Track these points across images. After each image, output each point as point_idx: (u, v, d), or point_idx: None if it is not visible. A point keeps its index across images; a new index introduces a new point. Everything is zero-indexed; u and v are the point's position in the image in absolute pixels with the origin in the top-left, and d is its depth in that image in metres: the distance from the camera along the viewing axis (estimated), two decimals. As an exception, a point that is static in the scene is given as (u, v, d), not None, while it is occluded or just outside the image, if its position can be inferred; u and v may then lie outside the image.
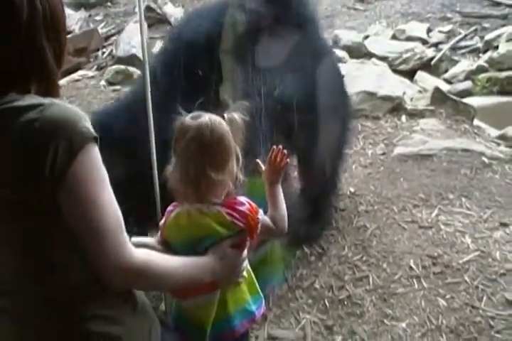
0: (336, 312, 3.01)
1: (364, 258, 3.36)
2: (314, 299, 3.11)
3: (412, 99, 5.52)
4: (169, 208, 1.81)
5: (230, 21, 2.67)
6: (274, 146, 1.84)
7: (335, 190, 3.69)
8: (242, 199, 1.73)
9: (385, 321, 2.94)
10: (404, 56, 6.79)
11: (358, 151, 4.44)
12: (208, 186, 1.67)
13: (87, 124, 1.28)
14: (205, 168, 1.64)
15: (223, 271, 1.64)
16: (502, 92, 6.46)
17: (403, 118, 5.07)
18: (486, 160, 4.30)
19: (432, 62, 6.91)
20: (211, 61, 2.56)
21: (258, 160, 1.87)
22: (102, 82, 5.86)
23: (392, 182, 4.08)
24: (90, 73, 6.35)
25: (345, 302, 3.07)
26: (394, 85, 5.39)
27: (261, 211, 1.76)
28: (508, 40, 6.86)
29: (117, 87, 5.75)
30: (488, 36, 7.03)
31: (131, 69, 6.00)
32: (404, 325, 2.91)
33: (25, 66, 1.30)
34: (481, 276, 3.18)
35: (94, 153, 1.29)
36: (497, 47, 6.83)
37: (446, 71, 6.93)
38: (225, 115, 1.70)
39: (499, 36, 6.98)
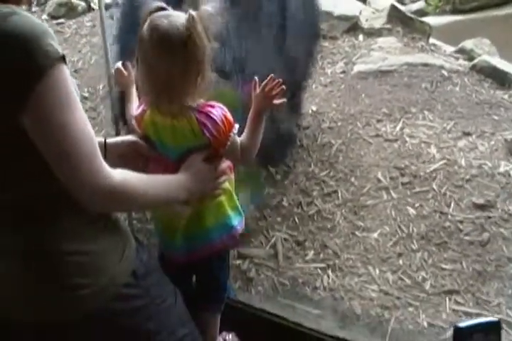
0: (307, 228, 2.99)
1: (331, 174, 3.32)
2: (283, 216, 3.07)
3: (367, 20, 5.38)
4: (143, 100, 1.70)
5: None
6: (272, 74, 1.69)
7: (298, 109, 3.59)
8: (219, 108, 1.60)
9: (357, 233, 2.93)
10: (357, -23, 6.59)
11: (317, 71, 4.31)
12: (179, 88, 1.54)
13: (53, 41, 1.14)
14: (176, 69, 1.51)
15: (198, 187, 1.55)
16: (455, 11, 6.38)
17: (360, 37, 4.96)
18: (445, 73, 4.25)
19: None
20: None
21: (256, 78, 1.71)
22: (44, 16, 5.55)
23: (354, 98, 4.01)
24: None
25: (315, 218, 3.04)
26: (350, 5, 5.24)
27: (236, 127, 1.64)
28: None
29: (61, 21, 5.45)
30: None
31: (75, 1, 5.68)
32: (375, 235, 2.91)
33: None
34: (448, 183, 3.18)
35: (62, 74, 1.16)
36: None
37: (399, -8, 6.79)
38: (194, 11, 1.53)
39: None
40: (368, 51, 4.66)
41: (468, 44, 4.65)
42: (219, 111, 1.59)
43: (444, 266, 2.71)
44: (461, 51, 4.64)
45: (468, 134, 3.60)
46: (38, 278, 1.33)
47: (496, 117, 3.75)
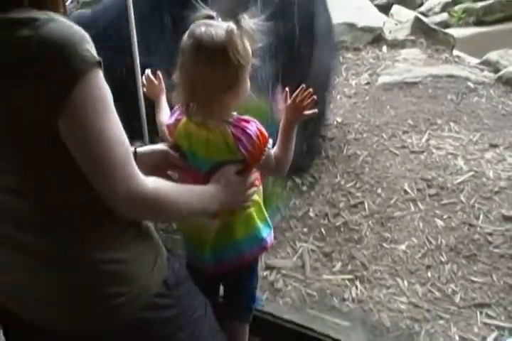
0: (334, 239, 2.96)
1: (358, 185, 3.30)
2: (310, 227, 3.05)
3: (390, 32, 5.38)
4: (178, 110, 1.67)
5: None
6: (304, 85, 1.68)
7: (323, 120, 3.59)
8: (254, 122, 1.58)
9: (384, 245, 2.90)
10: (379, -10, 6.61)
11: (341, 82, 4.32)
12: (215, 100, 1.52)
13: (90, 47, 1.13)
14: (212, 80, 1.49)
15: (229, 199, 1.53)
16: (478, 23, 6.37)
17: (384, 48, 4.97)
18: (471, 85, 4.24)
19: (407, -4, 6.75)
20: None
21: (287, 89, 1.68)
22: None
23: (379, 110, 4.00)
24: None
25: (342, 229, 3.02)
26: (373, 16, 5.25)
27: (270, 142, 1.62)
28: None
29: None
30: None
31: None
32: (403, 247, 2.88)
33: None
34: (476, 195, 3.15)
35: (98, 79, 1.14)
36: (472, -23, 6.68)
37: (421, 5, 6.80)
38: (236, 22, 1.51)
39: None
40: (392, 62, 4.66)
41: (493, 55, 4.63)
42: (254, 126, 1.57)
43: (474, 278, 2.67)
44: (486, 63, 4.62)
45: (495, 146, 3.57)
46: (70, 287, 1.31)
47: (523, 129, 3.72)
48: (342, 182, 3.34)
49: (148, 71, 1.89)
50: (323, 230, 3.01)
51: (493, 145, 3.57)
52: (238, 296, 2.00)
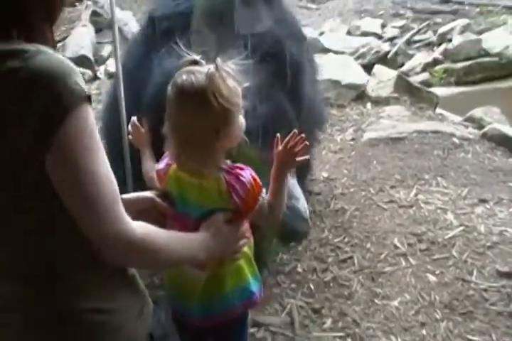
0: (323, 295, 2.84)
1: (346, 240, 3.21)
2: (298, 283, 2.92)
3: (373, 90, 5.43)
4: (166, 156, 1.62)
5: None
6: (296, 130, 1.62)
7: (308, 175, 3.51)
8: (248, 170, 1.53)
9: (376, 300, 2.79)
10: (361, 51, 6.71)
11: (326, 138, 4.29)
12: (206, 148, 1.47)
13: (79, 80, 1.08)
14: (196, 126, 1.44)
15: (218, 248, 1.45)
16: (459, 83, 6.49)
17: (368, 105, 5.00)
18: (456, 140, 4.23)
19: (388, 56, 6.87)
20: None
21: (278, 135, 1.63)
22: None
23: (365, 165, 3.95)
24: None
25: (332, 284, 2.90)
26: (357, 74, 5.31)
27: (263, 191, 1.56)
28: (461, 33, 6.90)
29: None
30: (442, 29, 7.05)
31: (81, 70, 5.75)
32: (396, 303, 2.76)
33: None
34: (468, 250, 3.07)
35: (87, 114, 1.08)
36: (451, 40, 6.85)
37: (402, 65, 6.89)
38: (215, 65, 1.45)
39: (452, 29, 7.00)
40: (376, 119, 4.67)
41: (477, 112, 4.67)
42: (248, 173, 1.51)
43: (472, 337, 2.55)
44: (471, 119, 4.65)
45: (484, 201, 3.52)
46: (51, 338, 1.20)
47: (511, 184, 3.68)
48: (330, 237, 3.24)
49: (134, 118, 1.83)
50: (311, 286, 2.89)
51: (483, 201, 3.52)
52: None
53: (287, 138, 1.57)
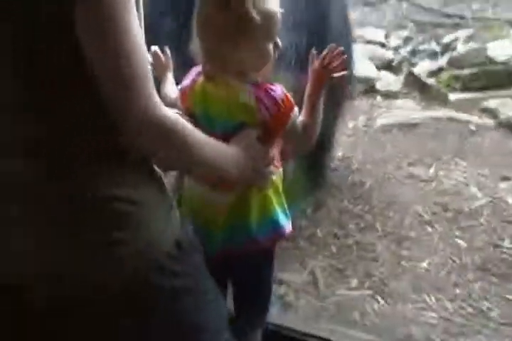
0: (346, 258, 2.67)
1: (367, 209, 3.04)
2: (318, 246, 2.75)
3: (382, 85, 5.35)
4: (195, 71, 1.49)
5: None
6: (333, 44, 1.49)
7: (330, 147, 3.33)
8: (281, 88, 1.41)
9: (403, 263, 2.62)
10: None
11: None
12: (229, 52, 1.36)
13: None
14: (223, 25, 1.32)
15: (247, 165, 1.29)
16: (464, 89, 6.41)
17: (378, 98, 4.89)
18: (472, 127, 4.11)
19: (393, 64, 6.83)
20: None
21: (314, 52, 1.49)
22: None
23: (381, 146, 3.81)
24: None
25: (355, 248, 2.73)
26: (367, 68, 5.23)
27: (296, 110, 1.44)
28: (465, 42, 6.88)
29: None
30: (446, 39, 7.03)
31: None
32: (425, 264, 2.59)
33: None
34: (496, 219, 2.91)
35: None
36: (455, 49, 6.83)
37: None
38: None
39: (456, 39, 6.99)
40: (387, 109, 4.56)
41: (491, 104, 4.57)
42: (279, 89, 1.40)
43: (510, 296, 2.37)
44: (485, 110, 4.54)
45: (507, 179, 3.37)
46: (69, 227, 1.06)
47: (532, 165, 3.55)
48: (350, 207, 3.08)
49: (155, 47, 1.70)
50: (333, 249, 2.72)
51: (506, 178, 3.37)
52: (252, 291, 1.72)
53: (323, 53, 1.46)
